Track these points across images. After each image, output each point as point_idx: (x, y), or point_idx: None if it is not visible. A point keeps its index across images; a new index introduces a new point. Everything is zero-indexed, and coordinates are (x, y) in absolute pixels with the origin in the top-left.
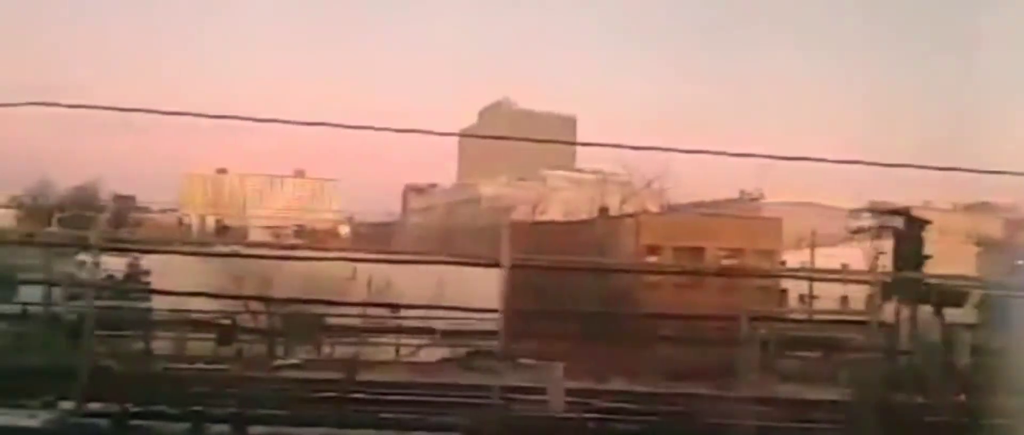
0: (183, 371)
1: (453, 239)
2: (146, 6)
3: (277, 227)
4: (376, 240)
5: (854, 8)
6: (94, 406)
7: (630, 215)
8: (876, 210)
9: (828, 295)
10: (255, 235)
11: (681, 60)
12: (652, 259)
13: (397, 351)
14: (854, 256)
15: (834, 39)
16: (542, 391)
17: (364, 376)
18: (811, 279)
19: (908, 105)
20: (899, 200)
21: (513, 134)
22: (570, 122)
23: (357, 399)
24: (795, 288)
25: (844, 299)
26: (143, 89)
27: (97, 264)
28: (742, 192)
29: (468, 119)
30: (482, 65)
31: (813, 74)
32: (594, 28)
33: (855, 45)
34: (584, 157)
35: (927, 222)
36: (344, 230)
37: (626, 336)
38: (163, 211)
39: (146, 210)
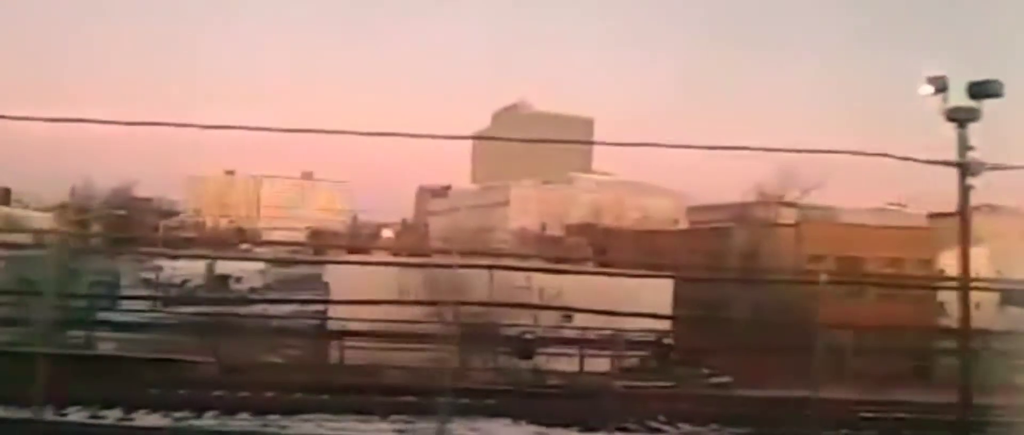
0: (644, 390)
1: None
2: (162, 13)
3: (295, 229)
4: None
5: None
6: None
7: (790, 224)
8: (938, 213)
9: None
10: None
11: (694, 61)
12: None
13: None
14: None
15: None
16: None
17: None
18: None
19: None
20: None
21: (529, 136)
22: (588, 124)
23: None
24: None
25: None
26: (153, 90)
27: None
28: (760, 193)
29: (481, 122)
30: (495, 68)
31: (827, 75)
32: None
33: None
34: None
35: None
36: (387, 232)
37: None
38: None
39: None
